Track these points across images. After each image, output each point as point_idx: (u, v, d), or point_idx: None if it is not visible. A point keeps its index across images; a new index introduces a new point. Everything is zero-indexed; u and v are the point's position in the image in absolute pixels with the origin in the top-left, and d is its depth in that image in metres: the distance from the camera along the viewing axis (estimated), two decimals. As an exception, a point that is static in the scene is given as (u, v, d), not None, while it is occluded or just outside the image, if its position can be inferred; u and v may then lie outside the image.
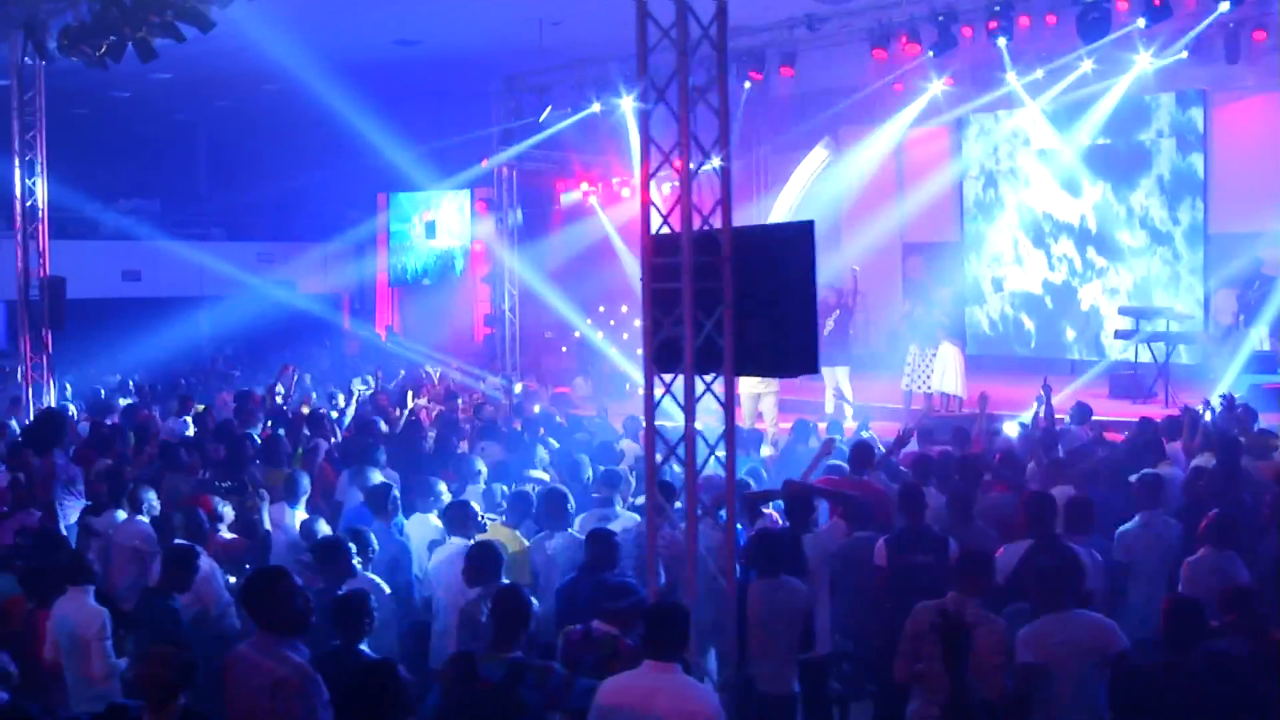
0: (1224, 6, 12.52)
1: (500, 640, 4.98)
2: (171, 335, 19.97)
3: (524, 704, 4.77)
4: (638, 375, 15.19)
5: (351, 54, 18.44)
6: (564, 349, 20.30)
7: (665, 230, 5.41)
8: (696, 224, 5.25)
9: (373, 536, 6.77)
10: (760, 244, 5.16)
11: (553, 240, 20.40)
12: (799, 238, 5.07)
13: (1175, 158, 16.66)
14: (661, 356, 5.39)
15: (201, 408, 12.58)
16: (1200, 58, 14.72)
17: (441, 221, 22.31)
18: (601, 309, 20.75)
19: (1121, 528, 7.13)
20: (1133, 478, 7.56)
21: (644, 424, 5.36)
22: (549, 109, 17.35)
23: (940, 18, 13.13)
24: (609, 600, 5.46)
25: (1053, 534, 6.59)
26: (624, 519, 7.37)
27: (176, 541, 6.56)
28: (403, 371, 15.19)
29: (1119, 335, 15.28)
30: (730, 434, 5.26)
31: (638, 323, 21.42)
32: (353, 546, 6.26)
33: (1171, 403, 13.09)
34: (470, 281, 22.33)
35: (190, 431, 11.33)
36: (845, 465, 8.04)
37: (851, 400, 14.10)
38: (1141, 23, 12.71)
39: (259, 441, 9.65)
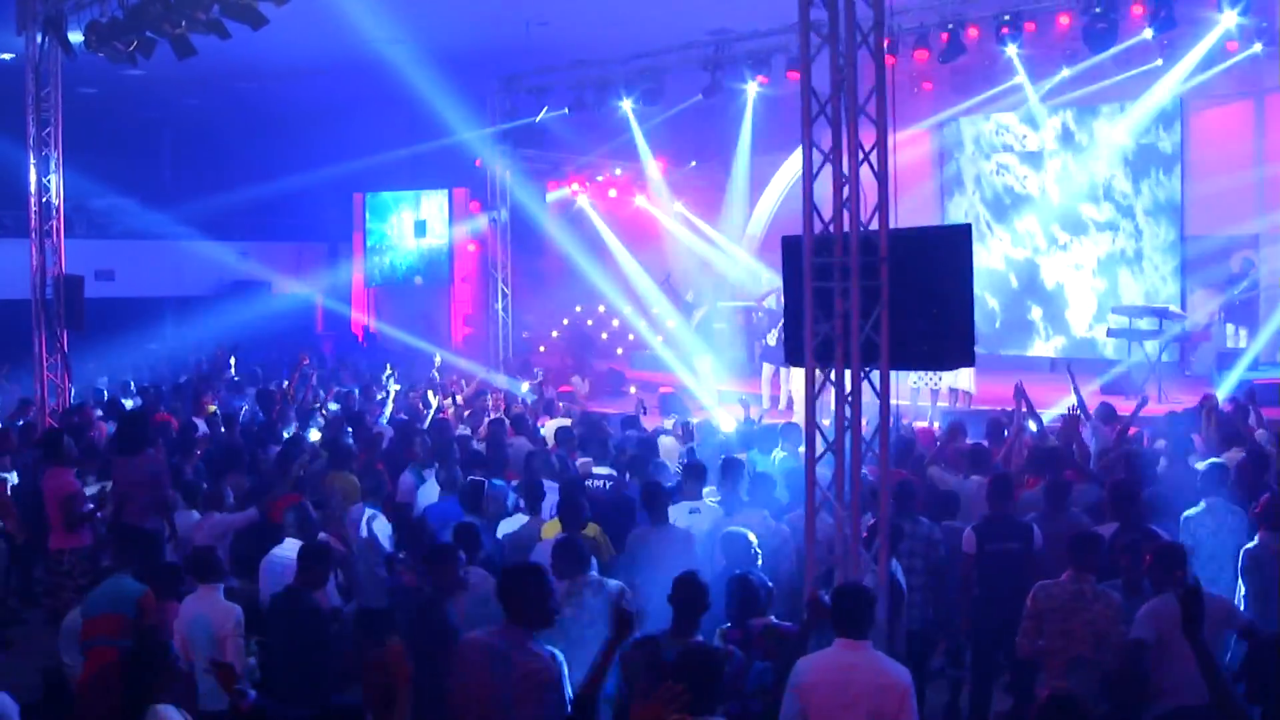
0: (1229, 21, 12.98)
1: (681, 625, 5.16)
2: (147, 336, 19.70)
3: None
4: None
5: (331, 53, 18.40)
6: (542, 349, 20.38)
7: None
8: (840, 224, 5.49)
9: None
10: (918, 245, 5.42)
11: (544, 239, 20.50)
12: (957, 239, 5.34)
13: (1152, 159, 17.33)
14: (820, 353, 5.62)
15: (213, 409, 12.48)
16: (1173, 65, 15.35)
17: (430, 220, 22.26)
18: (601, 308, 20.91)
19: (1187, 513, 7.53)
20: (1200, 465, 7.97)
21: (799, 424, 5.56)
22: (545, 109, 17.47)
23: (950, 26, 13.57)
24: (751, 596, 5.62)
25: (1138, 518, 6.97)
26: (710, 511, 7.60)
27: (321, 538, 6.60)
28: (434, 372, 15.07)
29: (1112, 334, 15.84)
30: (885, 428, 5.51)
31: (644, 323, 21.72)
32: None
33: (1165, 400, 13.63)
34: (450, 282, 22.33)
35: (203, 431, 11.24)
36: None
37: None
38: (1149, 33, 13.21)
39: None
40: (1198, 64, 15.19)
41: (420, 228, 22.40)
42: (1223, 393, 12.10)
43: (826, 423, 5.80)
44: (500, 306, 18.24)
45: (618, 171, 20.32)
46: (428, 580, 6.06)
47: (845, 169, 5.44)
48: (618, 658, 5.46)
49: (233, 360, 15.37)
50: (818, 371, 5.69)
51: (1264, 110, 16.18)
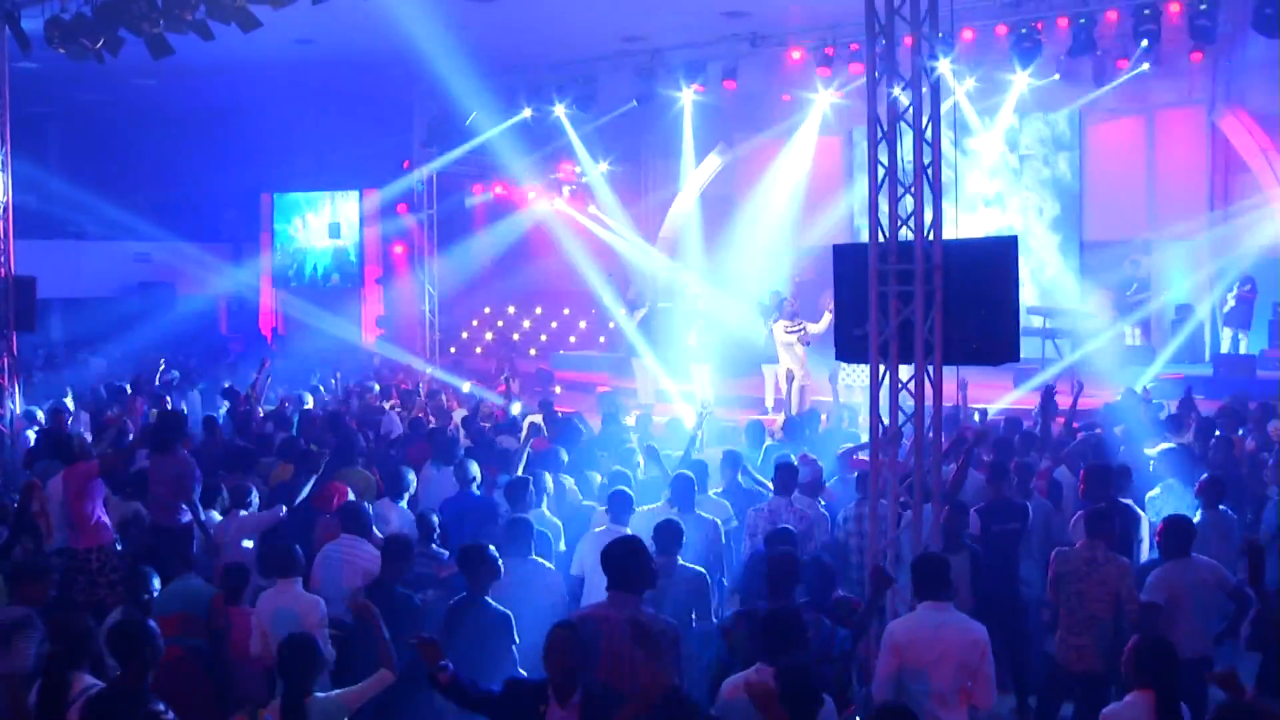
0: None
1: (776, 598, 5.75)
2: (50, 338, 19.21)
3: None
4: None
5: (237, 51, 18.28)
6: (478, 349, 20.69)
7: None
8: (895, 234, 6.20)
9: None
10: (970, 254, 6.16)
11: (470, 242, 20.78)
12: (1004, 250, 6.10)
13: (1052, 170, 18.73)
14: (867, 350, 6.30)
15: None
16: (1071, 80, 16.63)
17: (341, 221, 22.25)
18: (539, 310, 21.29)
19: (1149, 494, 8.50)
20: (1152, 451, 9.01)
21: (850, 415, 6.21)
22: (474, 113, 17.81)
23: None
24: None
25: (1115, 498, 7.89)
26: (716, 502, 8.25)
27: (394, 533, 6.92)
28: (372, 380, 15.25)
29: (1027, 334, 17.05)
30: (937, 417, 6.23)
31: (584, 324, 22.14)
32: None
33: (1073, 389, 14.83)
34: (361, 283, 22.38)
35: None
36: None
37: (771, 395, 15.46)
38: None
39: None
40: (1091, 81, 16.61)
41: (334, 229, 22.38)
42: (1140, 386, 13.35)
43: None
44: (427, 308, 18.46)
45: (557, 175, 20.76)
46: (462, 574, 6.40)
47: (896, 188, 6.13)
48: (719, 629, 6.07)
49: (162, 362, 15.22)
50: (862, 367, 6.36)
51: (1154, 125, 17.74)
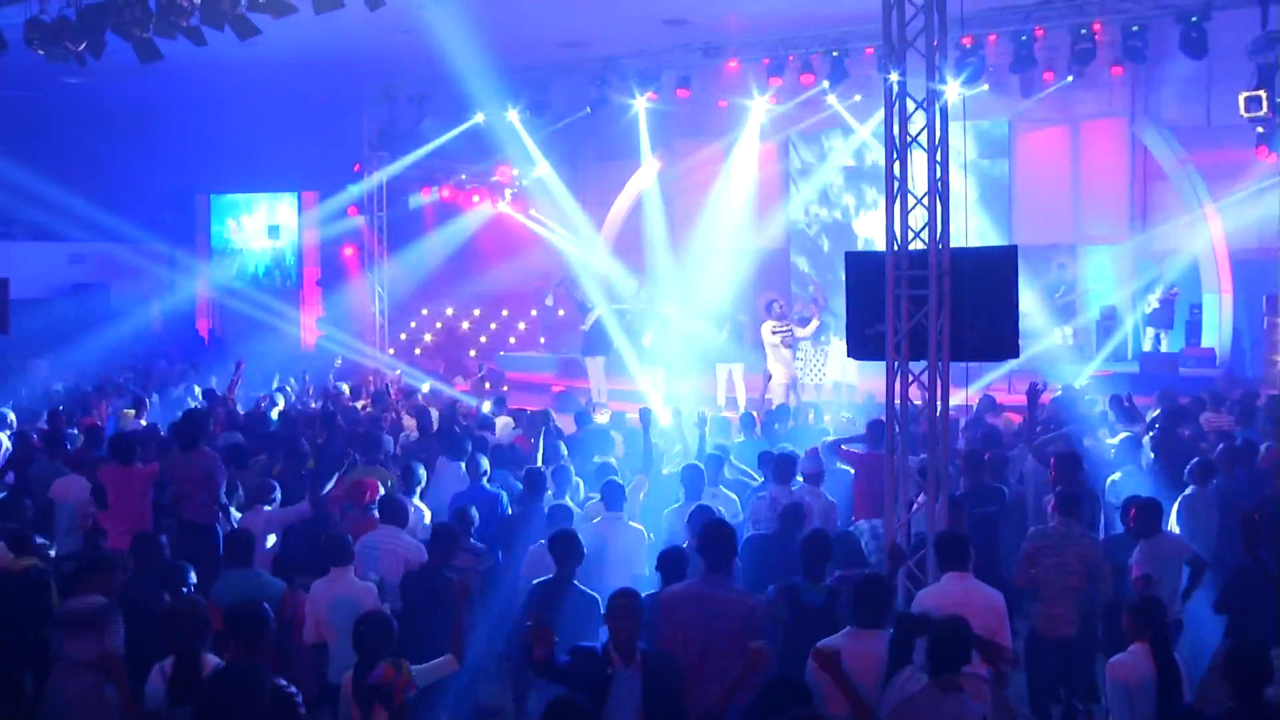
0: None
1: (813, 574, 6.41)
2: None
3: (839, 622, 6.25)
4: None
5: (170, 50, 18.34)
6: (418, 350, 21.00)
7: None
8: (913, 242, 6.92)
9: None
10: (975, 261, 6.91)
11: (414, 244, 21.09)
12: (1006, 257, 6.87)
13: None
14: (880, 349, 7.03)
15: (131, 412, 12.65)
16: (999, 92, 17.69)
17: (280, 223, 22.35)
18: (476, 312, 21.65)
19: (1111, 478, 9.41)
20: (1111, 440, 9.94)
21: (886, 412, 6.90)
22: (426, 118, 18.22)
23: (834, 52, 15.37)
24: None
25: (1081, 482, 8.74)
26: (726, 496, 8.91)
27: (441, 522, 7.40)
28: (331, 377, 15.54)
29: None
30: (945, 413, 6.98)
31: (523, 325, 22.56)
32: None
33: (1014, 392, 15.87)
34: (300, 285, 22.52)
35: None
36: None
37: (744, 394, 16.17)
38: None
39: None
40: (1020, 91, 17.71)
41: (273, 231, 22.49)
42: (1078, 383, 14.40)
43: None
44: (377, 310, 18.77)
45: (496, 179, 21.19)
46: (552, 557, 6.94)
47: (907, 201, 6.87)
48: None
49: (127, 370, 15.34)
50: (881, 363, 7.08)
51: (1079, 135, 18.94)
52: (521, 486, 8.77)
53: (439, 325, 22.93)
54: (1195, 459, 8.94)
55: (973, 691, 4.80)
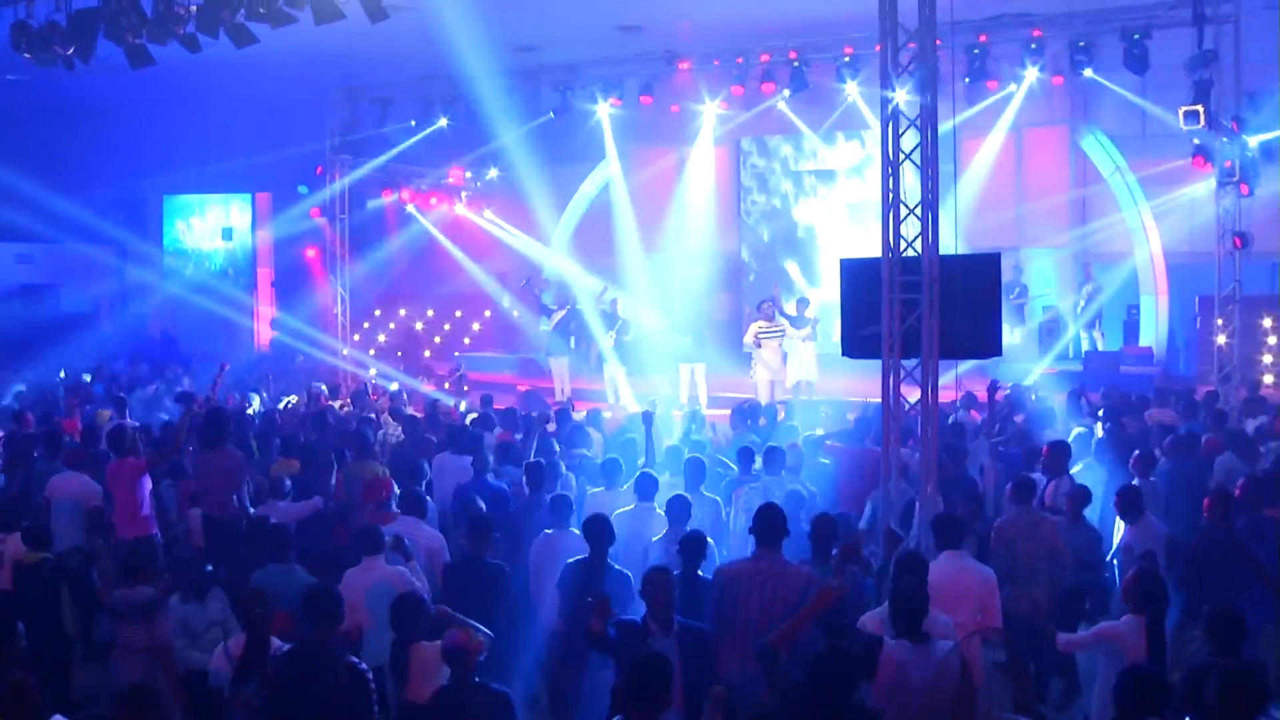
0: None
1: (821, 554, 7.04)
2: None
3: (844, 600, 6.89)
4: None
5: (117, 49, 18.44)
6: (372, 351, 21.30)
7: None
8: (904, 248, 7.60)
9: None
10: (962, 267, 7.61)
11: (372, 245, 21.42)
12: (989, 264, 7.58)
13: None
14: (877, 348, 7.69)
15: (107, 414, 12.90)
16: (945, 98, 18.49)
17: (234, 224, 22.52)
18: (430, 313, 22.01)
19: (1072, 469, 10.21)
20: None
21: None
22: (388, 122, 18.58)
23: (796, 63, 16.10)
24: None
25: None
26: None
27: (479, 513, 7.89)
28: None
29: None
30: (935, 406, 7.66)
31: (478, 325, 22.98)
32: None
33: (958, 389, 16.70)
34: (254, 286, 22.71)
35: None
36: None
37: (705, 392, 16.82)
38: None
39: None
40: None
41: (227, 233, 22.65)
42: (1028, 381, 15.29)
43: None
44: (339, 311, 19.08)
45: (449, 180, 21.57)
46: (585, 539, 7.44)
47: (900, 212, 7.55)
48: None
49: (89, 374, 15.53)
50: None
51: (1022, 142, 19.90)
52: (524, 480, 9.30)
53: (392, 326, 23.27)
54: (1137, 451, 9.73)
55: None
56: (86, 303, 21.89)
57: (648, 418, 9.79)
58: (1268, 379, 16.90)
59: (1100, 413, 11.95)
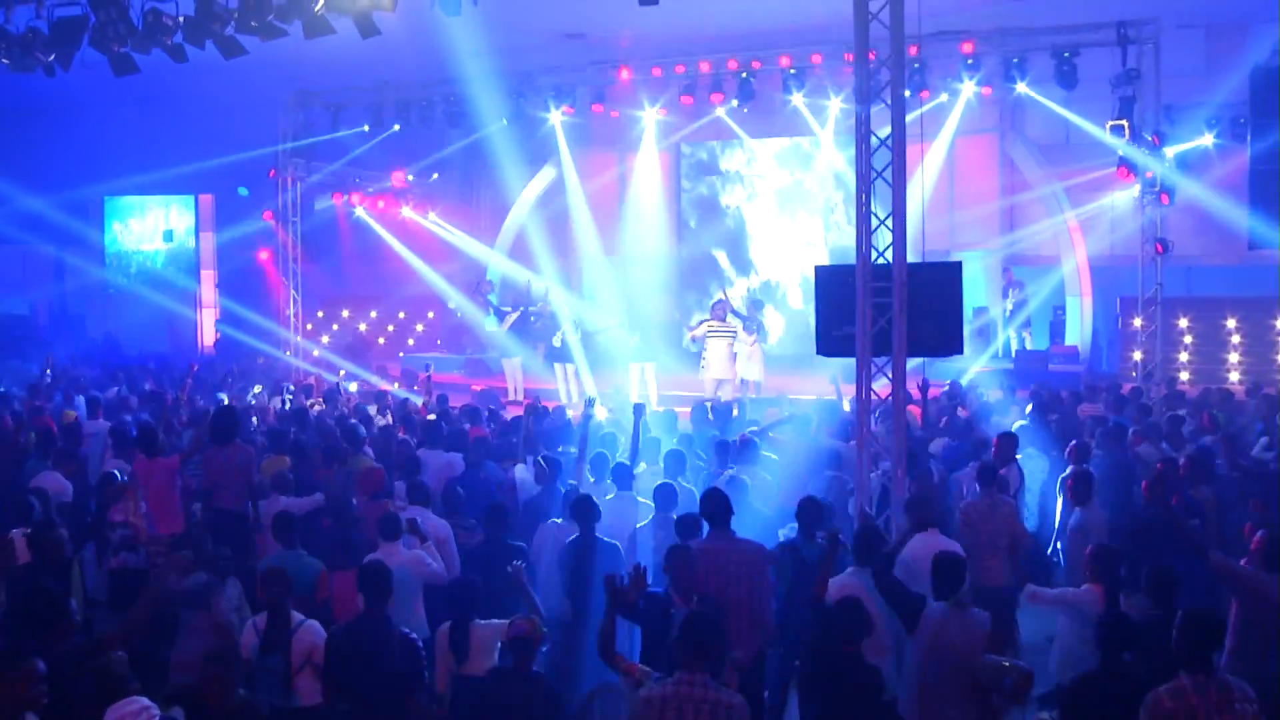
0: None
1: (808, 533, 7.86)
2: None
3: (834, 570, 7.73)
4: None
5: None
6: (315, 352, 21.69)
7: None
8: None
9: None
10: (928, 273, 8.51)
11: (326, 249, 21.85)
12: (953, 271, 8.49)
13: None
14: (849, 347, 8.57)
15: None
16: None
17: (180, 226, 22.75)
18: (374, 314, 22.46)
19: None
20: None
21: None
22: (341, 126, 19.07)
23: (744, 74, 16.99)
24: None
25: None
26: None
27: (496, 501, 8.56)
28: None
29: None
30: (903, 399, 8.55)
31: (421, 326, 23.46)
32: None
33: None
34: (197, 287, 22.98)
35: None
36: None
37: (655, 391, 17.62)
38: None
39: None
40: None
41: (168, 235, 22.87)
42: (965, 379, 16.36)
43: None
44: (291, 312, 19.49)
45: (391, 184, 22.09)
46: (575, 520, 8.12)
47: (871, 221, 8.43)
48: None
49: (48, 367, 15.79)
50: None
51: (954, 150, 21.05)
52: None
53: (336, 327, 23.68)
54: (1073, 442, 10.75)
55: None
56: (23, 304, 21.94)
57: (639, 410, 10.51)
58: (1184, 375, 18.26)
59: (1029, 408, 13.01)
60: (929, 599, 6.31)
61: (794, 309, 22.27)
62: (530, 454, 10.59)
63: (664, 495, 8.55)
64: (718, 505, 7.22)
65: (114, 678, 5.64)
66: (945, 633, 6.09)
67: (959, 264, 8.63)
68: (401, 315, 24.38)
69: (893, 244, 8.33)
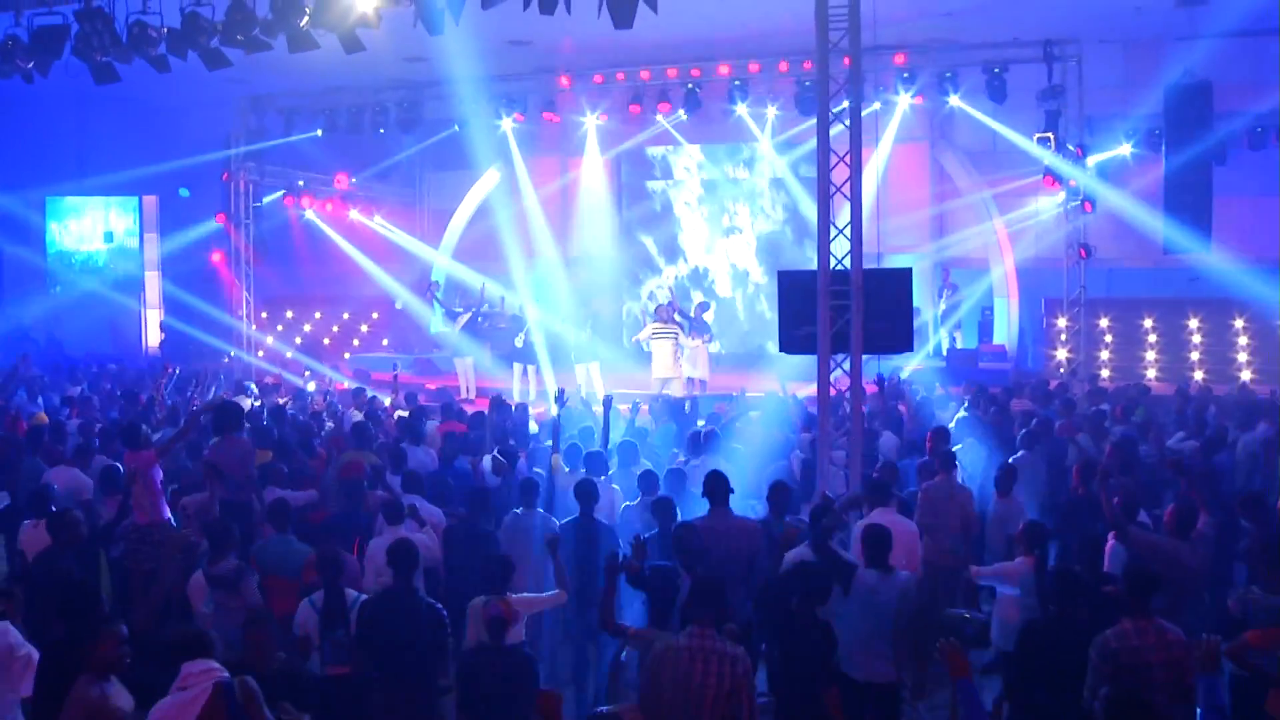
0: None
1: (778, 514, 8.81)
2: None
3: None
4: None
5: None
6: (261, 353, 22.23)
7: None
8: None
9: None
10: (881, 278, 9.52)
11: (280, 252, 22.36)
12: (904, 276, 9.52)
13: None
14: (810, 345, 9.55)
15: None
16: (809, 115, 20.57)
17: (118, 228, 23.08)
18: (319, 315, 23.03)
19: (955, 448, 12.30)
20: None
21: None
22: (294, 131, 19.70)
23: (690, 86, 17.99)
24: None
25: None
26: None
27: (478, 486, 9.36)
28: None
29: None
30: (859, 392, 9.55)
31: (366, 327, 24.05)
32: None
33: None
34: (141, 289, 23.34)
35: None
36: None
37: (600, 389, 18.51)
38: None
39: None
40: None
41: (108, 236, 23.18)
42: (903, 375, 17.50)
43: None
44: (244, 314, 20.02)
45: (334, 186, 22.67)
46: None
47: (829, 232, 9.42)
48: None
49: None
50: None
51: (889, 158, 22.20)
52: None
53: (280, 328, 24.16)
54: (1023, 430, 11.85)
55: None
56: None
57: (608, 402, 11.38)
58: (1105, 372, 19.63)
59: (966, 403, 14.14)
60: (860, 566, 7.26)
61: (722, 296, 23.46)
62: (496, 446, 11.39)
63: (647, 481, 9.46)
64: (718, 485, 8.15)
65: (198, 636, 6.31)
66: (875, 595, 7.05)
67: (909, 270, 9.66)
68: (346, 316, 24.94)
69: (850, 252, 9.33)
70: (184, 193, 23.15)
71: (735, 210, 23.55)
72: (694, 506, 9.47)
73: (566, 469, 10.48)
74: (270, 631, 6.46)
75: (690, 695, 5.65)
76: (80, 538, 8.04)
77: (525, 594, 7.74)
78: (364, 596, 7.36)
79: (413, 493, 9.60)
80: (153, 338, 23.20)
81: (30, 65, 12.43)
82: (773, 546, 8.43)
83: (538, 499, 9.33)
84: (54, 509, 8.78)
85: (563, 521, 8.76)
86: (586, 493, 8.74)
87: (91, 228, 23.98)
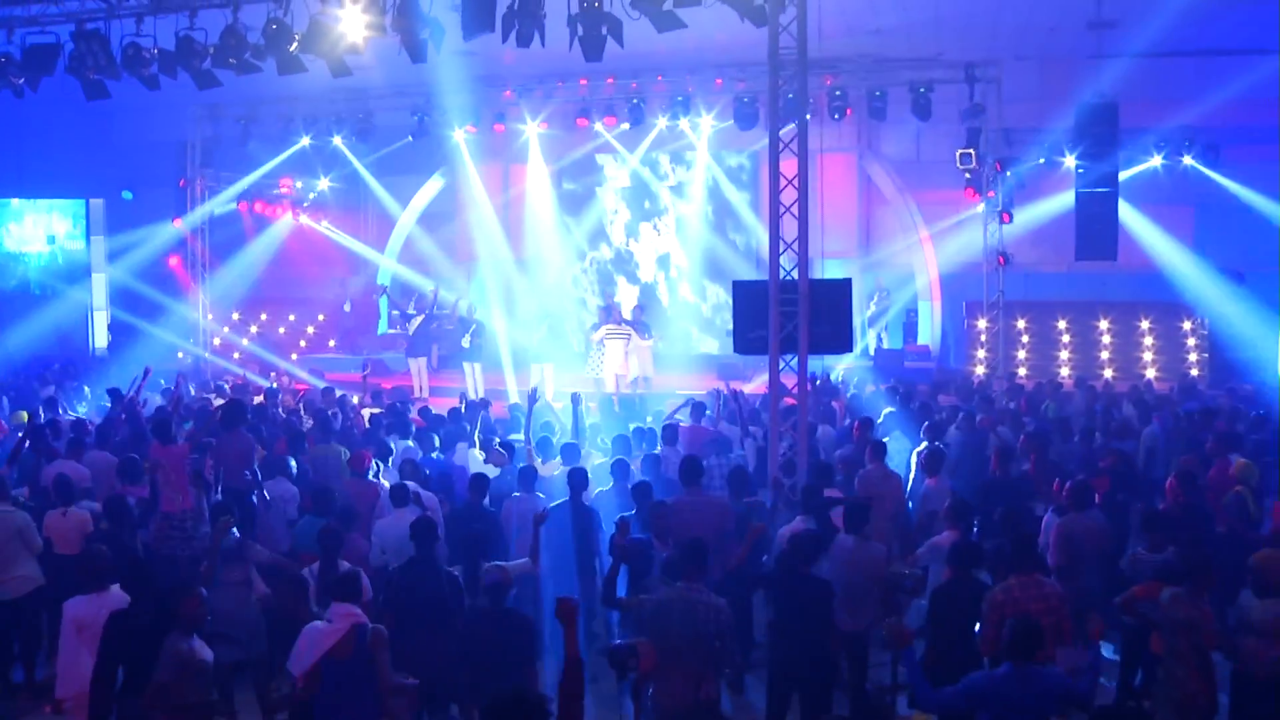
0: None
1: (738, 496, 10.21)
2: None
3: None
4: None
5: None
6: (236, 355, 23.16)
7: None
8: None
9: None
10: (825, 287, 10.99)
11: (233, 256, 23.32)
12: (845, 286, 11.01)
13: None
14: (763, 347, 11.00)
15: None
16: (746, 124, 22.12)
17: (66, 231, 23.83)
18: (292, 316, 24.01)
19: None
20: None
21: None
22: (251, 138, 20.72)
23: (635, 100, 19.39)
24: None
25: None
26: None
27: (477, 473, 10.62)
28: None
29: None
30: (803, 394, 11.00)
31: (312, 329, 25.02)
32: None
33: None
34: (89, 292, 24.14)
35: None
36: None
37: (551, 388, 19.81)
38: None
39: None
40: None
41: (50, 239, 23.94)
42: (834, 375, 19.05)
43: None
44: (202, 315, 20.98)
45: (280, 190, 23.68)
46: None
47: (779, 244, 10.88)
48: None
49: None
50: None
51: (819, 166, 23.74)
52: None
53: (226, 330, 25.03)
54: (926, 423, 13.33)
55: None
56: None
57: (576, 398, 12.69)
58: (1022, 370, 21.42)
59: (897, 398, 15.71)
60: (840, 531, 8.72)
61: (644, 281, 24.91)
62: (485, 439, 12.64)
63: (620, 469, 10.83)
64: (692, 468, 9.55)
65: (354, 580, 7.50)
66: (855, 556, 8.51)
67: (849, 281, 11.16)
68: (292, 318, 25.88)
69: (798, 264, 10.79)
70: (127, 195, 23.96)
71: (660, 195, 24.85)
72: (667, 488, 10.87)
73: (540, 459, 11.80)
74: (302, 587, 7.73)
75: (695, 631, 6.98)
76: (133, 518, 9.13)
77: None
78: (352, 569, 8.45)
79: (410, 479, 10.83)
80: (100, 340, 23.94)
81: (21, 81, 13.33)
82: (738, 523, 9.87)
83: (535, 484, 10.53)
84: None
85: (552, 504, 10.06)
86: (577, 480, 10.03)
87: (31, 231, 24.63)
